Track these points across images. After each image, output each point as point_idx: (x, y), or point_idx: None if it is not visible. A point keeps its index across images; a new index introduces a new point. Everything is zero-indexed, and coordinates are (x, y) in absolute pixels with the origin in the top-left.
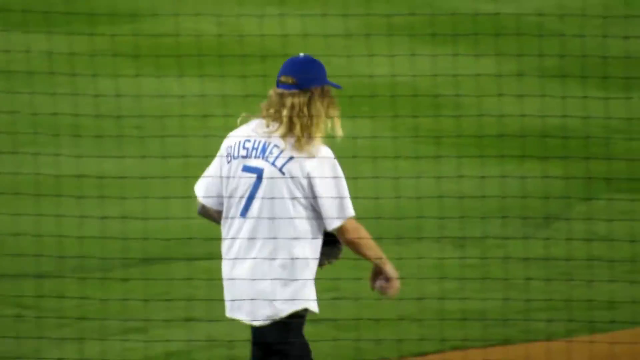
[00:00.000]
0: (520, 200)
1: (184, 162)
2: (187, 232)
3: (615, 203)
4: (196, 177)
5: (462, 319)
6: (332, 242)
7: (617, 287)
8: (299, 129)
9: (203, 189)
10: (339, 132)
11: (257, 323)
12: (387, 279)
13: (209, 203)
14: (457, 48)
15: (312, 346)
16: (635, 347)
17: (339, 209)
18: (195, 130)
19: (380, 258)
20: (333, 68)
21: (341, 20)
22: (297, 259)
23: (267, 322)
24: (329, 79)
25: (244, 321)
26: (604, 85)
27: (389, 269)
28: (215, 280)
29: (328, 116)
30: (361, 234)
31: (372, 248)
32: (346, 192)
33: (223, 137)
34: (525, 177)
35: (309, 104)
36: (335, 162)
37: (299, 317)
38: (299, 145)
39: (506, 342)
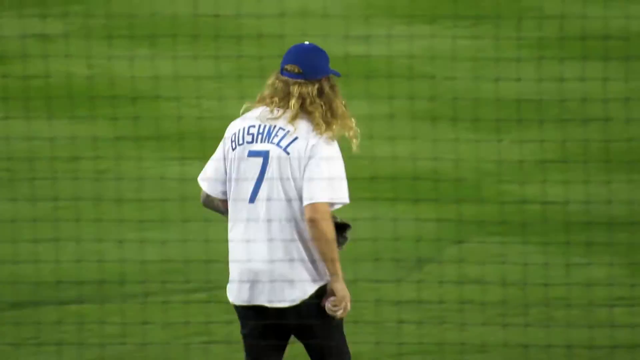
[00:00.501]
0: (392, 242)
1: (53, 205)
2: (57, 275)
3: (486, 246)
4: (66, 219)
5: None
6: (338, 229)
7: (488, 330)
8: (317, 117)
9: (207, 179)
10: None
11: (284, 304)
12: (337, 299)
13: (214, 192)
14: None
15: None
16: None
17: (327, 189)
18: (65, 172)
19: (336, 273)
20: (203, 110)
21: (213, 62)
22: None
23: (294, 304)
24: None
25: (266, 305)
26: (475, 127)
27: (341, 288)
28: (85, 324)
29: (341, 109)
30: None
31: (334, 251)
32: (343, 175)
33: (93, 179)
34: (397, 219)
35: (320, 94)
36: (340, 159)
37: (320, 295)
38: (318, 132)
39: None
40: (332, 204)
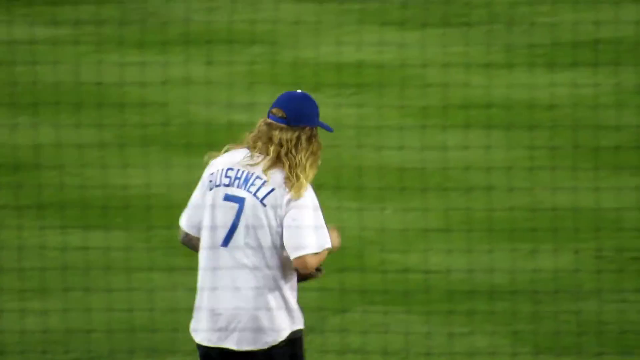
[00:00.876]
0: None
1: None
2: None
3: (369, 315)
4: None
5: None
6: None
7: None
8: (287, 168)
9: (186, 218)
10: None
11: (253, 347)
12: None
13: (193, 232)
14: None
15: None
16: None
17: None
18: None
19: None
20: (86, 179)
21: (95, 130)
22: (286, 283)
23: (265, 347)
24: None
25: (233, 349)
26: (358, 196)
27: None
28: None
29: (311, 161)
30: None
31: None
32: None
33: None
34: None
35: (296, 143)
36: (317, 205)
37: (291, 340)
38: (289, 185)
39: None
40: (317, 253)
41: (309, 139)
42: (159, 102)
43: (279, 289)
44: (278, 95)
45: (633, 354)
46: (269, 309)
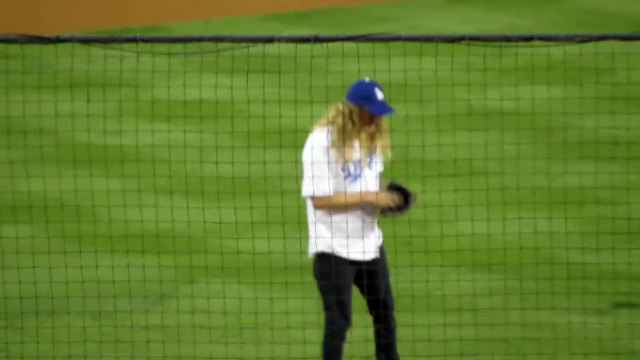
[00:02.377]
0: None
1: None
2: None
3: (211, 285)
4: None
5: None
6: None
7: (214, 346)
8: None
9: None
10: None
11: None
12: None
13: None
14: None
15: None
16: None
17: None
18: None
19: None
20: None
21: (5, 150)
22: (316, 216)
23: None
24: None
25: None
26: (201, 197)
27: (380, 198)
28: None
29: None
30: (331, 203)
31: (349, 204)
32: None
33: None
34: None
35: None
36: (310, 160)
37: (317, 256)
38: None
39: None
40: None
41: (348, 114)
42: (52, 130)
43: (313, 221)
44: (142, 125)
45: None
46: (308, 236)
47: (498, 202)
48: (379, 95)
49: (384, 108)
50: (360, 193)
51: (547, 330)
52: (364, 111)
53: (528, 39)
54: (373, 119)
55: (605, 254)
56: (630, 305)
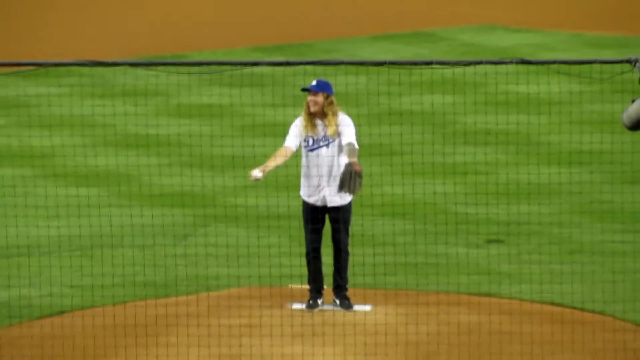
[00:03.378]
0: None
1: None
2: None
3: None
4: None
5: None
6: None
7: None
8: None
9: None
10: None
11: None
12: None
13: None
14: None
15: None
16: None
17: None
18: None
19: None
20: None
21: None
22: None
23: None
24: None
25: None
26: None
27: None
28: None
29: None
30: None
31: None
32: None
33: None
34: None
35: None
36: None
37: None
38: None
39: None
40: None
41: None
42: (112, 124)
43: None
44: (171, 121)
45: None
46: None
47: (409, 173)
48: (312, 84)
49: (304, 88)
50: (276, 158)
51: (442, 258)
52: (306, 101)
53: (429, 63)
54: (308, 101)
55: (481, 207)
56: (498, 242)
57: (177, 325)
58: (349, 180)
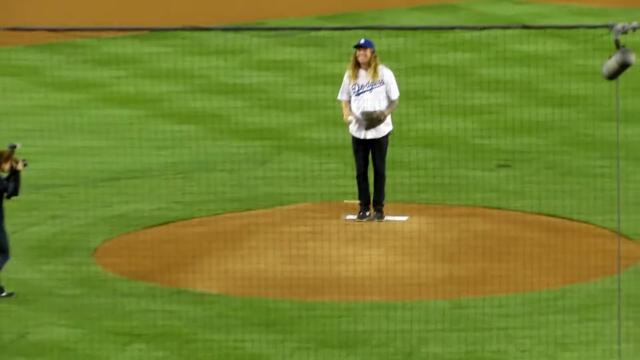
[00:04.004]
0: None
1: None
2: None
3: None
4: None
5: None
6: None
7: None
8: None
9: None
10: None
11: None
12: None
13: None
14: None
15: None
16: None
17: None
18: None
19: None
20: None
21: None
22: None
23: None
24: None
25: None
26: None
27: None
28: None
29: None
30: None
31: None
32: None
33: None
34: None
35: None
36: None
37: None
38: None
39: None
40: None
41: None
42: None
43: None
44: None
45: None
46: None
47: (437, 113)
48: (361, 41)
49: (356, 45)
50: (349, 107)
51: (462, 179)
52: (354, 54)
53: (452, 28)
54: (357, 55)
55: (493, 139)
56: (506, 166)
57: (257, 232)
58: (365, 120)
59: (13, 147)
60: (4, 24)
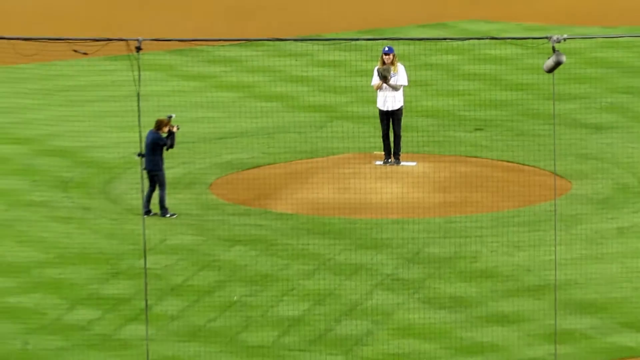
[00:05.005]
0: None
1: None
2: None
3: None
4: None
5: None
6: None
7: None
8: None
9: None
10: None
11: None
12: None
13: None
14: None
15: None
16: None
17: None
18: None
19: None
20: None
21: None
22: None
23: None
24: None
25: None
26: None
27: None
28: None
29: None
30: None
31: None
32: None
33: None
34: None
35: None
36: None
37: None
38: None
39: None
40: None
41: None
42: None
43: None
44: None
45: None
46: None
47: (434, 95)
48: (385, 49)
49: (383, 51)
50: (379, 84)
51: (451, 138)
52: (381, 56)
53: (444, 39)
54: (384, 57)
55: (474, 112)
56: (480, 129)
57: (316, 172)
58: (383, 74)
59: (170, 117)
60: (150, 36)
